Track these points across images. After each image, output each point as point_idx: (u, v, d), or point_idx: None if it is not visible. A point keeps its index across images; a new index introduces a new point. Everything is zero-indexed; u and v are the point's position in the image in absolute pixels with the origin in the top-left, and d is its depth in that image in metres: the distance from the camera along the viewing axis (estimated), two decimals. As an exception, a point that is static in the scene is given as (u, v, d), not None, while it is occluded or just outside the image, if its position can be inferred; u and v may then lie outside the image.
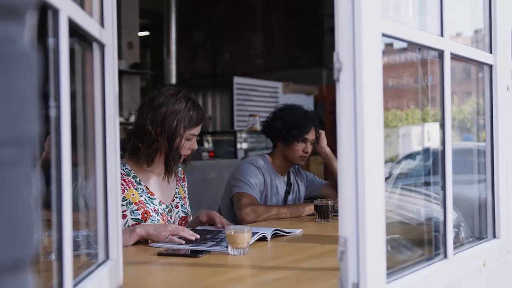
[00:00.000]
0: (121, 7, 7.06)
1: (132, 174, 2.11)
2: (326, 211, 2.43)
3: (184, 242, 1.85)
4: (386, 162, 1.16)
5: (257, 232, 1.92)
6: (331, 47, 1.10)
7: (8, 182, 0.56)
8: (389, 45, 1.32)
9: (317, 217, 2.45)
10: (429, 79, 1.62)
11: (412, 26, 1.36)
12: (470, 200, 1.80)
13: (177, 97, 2.09)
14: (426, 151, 1.71)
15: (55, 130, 0.87)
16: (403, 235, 1.56)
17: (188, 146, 2.13)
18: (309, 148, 2.73)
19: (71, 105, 0.90)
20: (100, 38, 1.15)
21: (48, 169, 0.88)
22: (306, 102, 7.03)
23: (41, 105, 0.63)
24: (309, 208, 2.58)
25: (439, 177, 1.42)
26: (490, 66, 1.70)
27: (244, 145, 6.95)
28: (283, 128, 2.71)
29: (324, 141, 2.83)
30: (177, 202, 2.22)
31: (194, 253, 1.71)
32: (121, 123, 5.80)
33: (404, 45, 1.44)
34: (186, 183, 2.33)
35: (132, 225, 2.02)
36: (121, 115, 6.90)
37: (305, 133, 2.71)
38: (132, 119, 4.67)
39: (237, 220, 2.54)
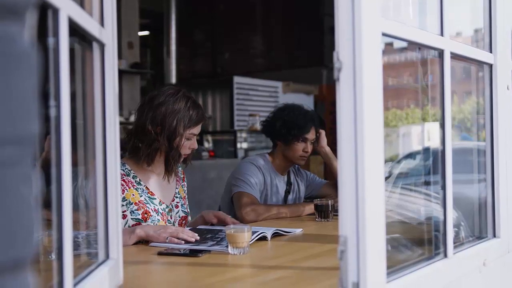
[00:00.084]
0: (121, 7, 7.06)
1: (132, 174, 2.11)
2: (326, 211, 2.43)
3: (183, 242, 1.85)
4: (386, 161, 1.16)
5: (257, 232, 1.92)
6: (331, 46, 1.10)
7: (8, 181, 0.56)
8: (389, 45, 1.32)
9: (317, 216, 2.45)
10: (429, 78, 1.62)
11: (412, 26, 1.36)
12: (470, 200, 1.80)
13: (177, 97, 2.09)
14: (426, 150, 1.71)
15: (55, 130, 0.87)
16: (403, 234, 1.56)
17: (188, 145, 2.13)
18: (309, 148, 2.73)
19: (71, 104, 0.90)
20: (100, 37, 1.15)
21: (48, 169, 0.88)
22: (306, 101, 7.03)
23: (41, 104, 0.63)
24: (309, 208, 2.58)
25: (439, 176, 1.42)
26: (490, 66, 1.70)
27: (244, 145, 6.95)
28: (283, 127, 2.71)
29: (324, 141, 2.83)
30: (177, 202, 2.22)
31: (194, 253, 1.71)
32: (121, 123, 5.81)
33: (404, 44, 1.45)
34: (185, 183, 2.33)
35: (133, 225, 2.02)
36: (121, 114, 6.90)
37: (305, 132, 2.71)
38: (132, 118, 4.67)
39: (237, 219, 2.54)
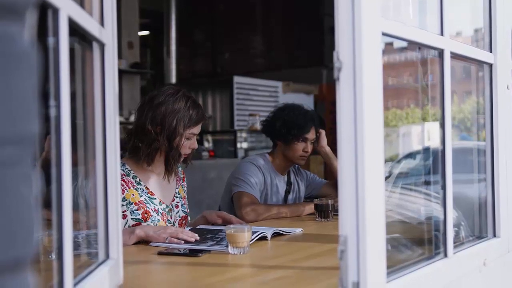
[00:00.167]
0: (121, 7, 7.06)
1: (131, 175, 2.11)
2: (326, 210, 2.43)
3: (183, 242, 1.85)
4: (386, 161, 1.16)
5: (257, 232, 1.92)
6: (331, 46, 1.10)
7: (8, 181, 0.56)
8: (389, 44, 1.32)
9: (317, 216, 2.45)
10: (429, 78, 1.62)
11: (412, 25, 1.36)
12: (470, 199, 1.80)
13: (177, 96, 2.09)
14: (426, 150, 1.71)
15: (55, 130, 0.87)
16: (403, 234, 1.56)
17: (188, 145, 2.13)
18: (309, 148, 2.73)
19: (71, 104, 0.90)
20: (100, 37, 1.15)
21: (48, 168, 0.88)
22: (306, 101, 7.03)
23: (41, 104, 0.63)
24: (309, 208, 2.58)
25: (439, 176, 1.42)
26: (490, 65, 1.70)
27: (244, 145, 6.95)
28: (283, 127, 2.71)
29: (324, 141, 2.83)
30: (177, 202, 2.22)
31: (194, 253, 1.71)
32: (121, 123, 5.80)
33: (404, 44, 1.45)
34: (185, 183, 2.33)
35: (133, 225, 2.02)
36: (121, 114, 6.90)
37: (305, 132, 2.71)
38: (132, 118, 4.68)
39: (237, 219, 2.54)
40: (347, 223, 1.05)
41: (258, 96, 7.78)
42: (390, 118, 1.53)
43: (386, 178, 1.39)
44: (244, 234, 1.69)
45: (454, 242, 1.42)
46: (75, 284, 0.95)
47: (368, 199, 1.04)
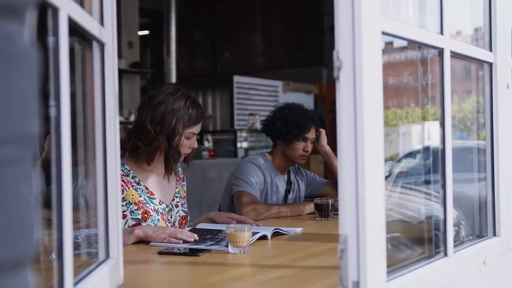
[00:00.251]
0: (121, 6, 7.06)
1: (131, 175, 2.11)
2: (326, 210, 2.43)
3: (182, 242, 1.85)
4: (386, 160, 1.16)
5: (257, 232, 1.92)
6: (331, 45, 1.10)
7: (8, 180, 0.56)
8: (389, 44, 1.32)
9: (317, 215, 2.45)
10: (429, 77, 1.62)
11: (412, 24, 1.36)
12: (470, 198, 1.80)
13: (176, 96, 2.09)
14: (426, 149, 1.71)
15: (55, 130, 0.87)
16: (403, 233, 1.56)
17: (188, 144, 2.13)
18: (309, 147, 2.73)
19: (71, 104, 0.90)
20: (100, 37, 1.15)
21: (48, 168, 0.88)
22: (306, 101, 7.03)
23: (41, 104, 0.63)
24: (309, 207, 2.58)
25: (439, 175, 1.42)
26: (490, 64, 1.70)
27: (244, 144, 6.95)
28: (283, 127, 2.71)
29: (324, 140, 2.83)
30: (177, 202, 2.22)
31: (194, 252, 1.71)
32: (121, 123, 5.80)
33: (404, 43, 1.44)
34: (185, 183, 2.33)
35: (132, 225, 2.02)
36: (121, 114, 6.90)
37: (305, 132, 2.71)
38: (132, 118, 4.68)
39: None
40: (347, 222, 1.05)
41: (258, 96, 7.79)
42: (390, 117, 1.53)
43: (386, 177, 1.39)
44: (244, 233, 1.69)
45: (454, 241, 1.42)
46: (75, 284, 0.95)
47: (368, 199, 1.04)
